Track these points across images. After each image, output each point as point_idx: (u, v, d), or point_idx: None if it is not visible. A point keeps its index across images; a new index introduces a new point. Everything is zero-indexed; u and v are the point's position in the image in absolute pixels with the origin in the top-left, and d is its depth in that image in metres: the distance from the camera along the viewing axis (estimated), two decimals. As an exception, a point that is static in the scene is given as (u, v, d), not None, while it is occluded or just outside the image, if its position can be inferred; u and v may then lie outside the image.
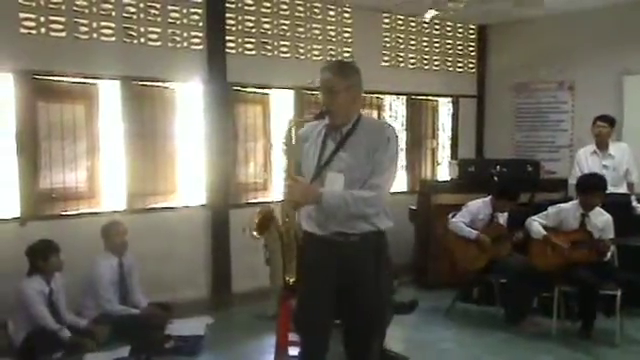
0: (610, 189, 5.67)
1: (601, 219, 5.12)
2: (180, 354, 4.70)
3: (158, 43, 5.72)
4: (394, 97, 7.55)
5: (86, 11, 5.34)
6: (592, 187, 5.11)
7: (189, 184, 6.20)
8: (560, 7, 6.85)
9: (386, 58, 7.29)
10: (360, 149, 2.98)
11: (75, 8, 5.29)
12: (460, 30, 8.04)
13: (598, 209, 5.15)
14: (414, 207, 6.74)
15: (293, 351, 4.76)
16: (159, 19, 5.71)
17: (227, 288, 6.15)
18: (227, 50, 6.07)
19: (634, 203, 5.93)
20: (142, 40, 5.64)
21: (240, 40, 6.19)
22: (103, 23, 5.43)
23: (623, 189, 6.02)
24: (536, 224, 5.25)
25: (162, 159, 5.87)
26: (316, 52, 6.72)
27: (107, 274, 5.01)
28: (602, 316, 5.16)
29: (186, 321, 5.23)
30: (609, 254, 5.06)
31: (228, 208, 6.15)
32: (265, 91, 6.47)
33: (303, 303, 3.20)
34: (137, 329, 4.83)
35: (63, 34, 5.25)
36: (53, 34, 5.21)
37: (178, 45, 5.84)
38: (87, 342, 4.69)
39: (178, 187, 6.04)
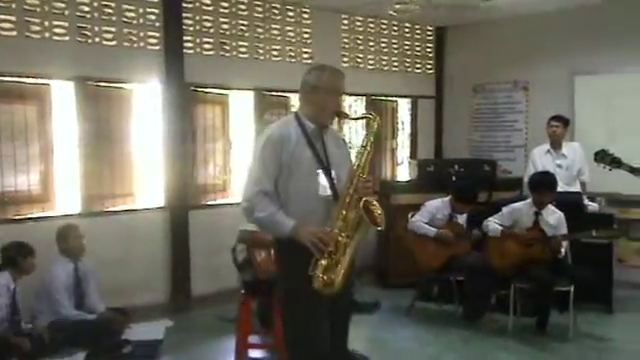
0: (563, 188, 5.84)
1: (554, 217, 5.25)
2: (138, 358, 4.64)
3: (113, 43, 5.62)
4: (354, 98, 7.58)
5: (38, 10, 5.20)
6: (543, 185, 5.23)
7: (147, 186, 6.11)
8: (515, 10, 7.00)
9: (345, 59, 7.32)
10: (339, 149, 3.18)
11: (26, 7, 5.15)
12: (418, 32, 8.12)
13: (551, 207, 5.28)
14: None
15: (253, 353, 4.77)
16: (114, 18, 5.61)
17: (187, 291, 6.09)
18: (185, 50, 6.00)
19: (586, 201, 6.09)
20: (97, 40, 5.53)
21: (198, 40, 6.14)
22: (55, 22, 5.30)
23: (576, 188, 6.17)
24: (492, 223, 5.35)
25: (119, 161, 5.77)
26: (275, 53, 6.70)
27: (62, 279, 4.89)
28: (556, 312, 5.28)
29: (144, 325, 5.16)
30: (563, 251, 5.18)
31: (187, 210, 6.08)
32: (224, 92, 6.42)
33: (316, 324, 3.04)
34: (93, 335, 4.73)
35: (14, 33, 5.11)
36: (3, 33, 5.06)
37: (134, 45, 5.75)
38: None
39: (136, 189, 5.95)
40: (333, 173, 3.07)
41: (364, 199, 2.94)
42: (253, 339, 4.83)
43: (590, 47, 6.79)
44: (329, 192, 3.04)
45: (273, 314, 4.69)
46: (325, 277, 2.90)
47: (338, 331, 3.15)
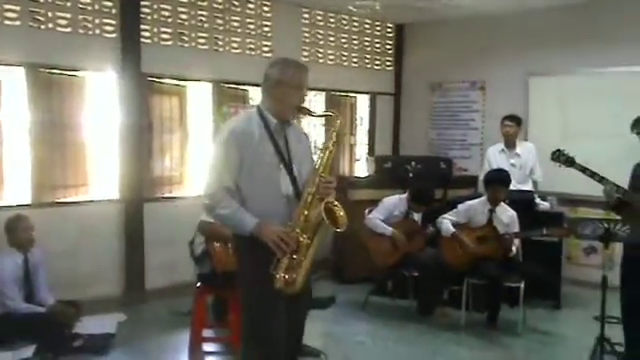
0: (516, 186, 5.98)
1: (507, 215, 5.38)
2: (89, 352, 4.55)
3: (68, 29, 5.47)
4: (313, 93, 7.58)
5: (-12, -7, 5.05)
6: (497, 181, 5.37)
7: (101, 177, 5.99)
8: (474, 10, 7.10)
9: (305, 53, 7.30)
10: (301, 144, 3.16)
11: (-24, -11, 4.99)
12: (378, 28, 8.16)
13: (504, 206, 5.40)
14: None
15: (207, 347, 4.73)
16: (69, 4, 5.46)
17: (140, 284, 6.00)
18: (142, 40, 5.90)
19: (537, 200, 6.24)
20: (50, 25, 5.38)
21: (156, 29, 6.03)
22: (7, 6, 5.13)
23: (528, 187, 6.33)
24: (446, 222, 5.43)
25: (72, 151, 5.63)
26: (235, 45, 6.64)
27: (10, 271, 4.74)
28: (507, 307, 5.40)
29: (96, 319, 5.06)
30: (514, 248, 5.31)
31: (142, 202, 5.99)
32: (182, 83, 6.33)
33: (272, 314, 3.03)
34: (43, 328, 4.61)
35: (-38, 16, 4.94)
36: (-48, 16, 4.89)
37: (90, 32, 5.62)
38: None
39: (89, 180, 5.82)
40: (295, 170, 3.06)
41: (326, 200, 2.94)
42: (208, 333, 4.80)
43: (545, 49, 6.94)
44: (291, 189, 3.03)
45: (228, 308, 4.68)
46: (287, 277, 2.89)
47: (294, 328, 3.15)
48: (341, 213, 2.96)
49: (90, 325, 4.89)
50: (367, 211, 5.79)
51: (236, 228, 3.00)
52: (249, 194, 2.99)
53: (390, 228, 5.58)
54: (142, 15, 5.89)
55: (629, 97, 6.15)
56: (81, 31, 5.56)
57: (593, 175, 4.04)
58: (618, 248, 3.94)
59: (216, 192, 2.96)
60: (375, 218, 5.65)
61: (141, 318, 5.52)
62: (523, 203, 5.80)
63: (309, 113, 3.18)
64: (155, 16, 6.01)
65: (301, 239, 2.91)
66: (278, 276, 2.88)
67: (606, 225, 3.79)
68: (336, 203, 2.97)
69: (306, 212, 2.94)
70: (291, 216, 2.97)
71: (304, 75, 3.09)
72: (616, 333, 4.16)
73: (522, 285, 5.16)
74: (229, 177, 2.96)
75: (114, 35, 5.74)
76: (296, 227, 2.92)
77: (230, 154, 2.95)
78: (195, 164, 6.49)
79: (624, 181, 4.08)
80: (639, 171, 4.15)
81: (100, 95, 5.89)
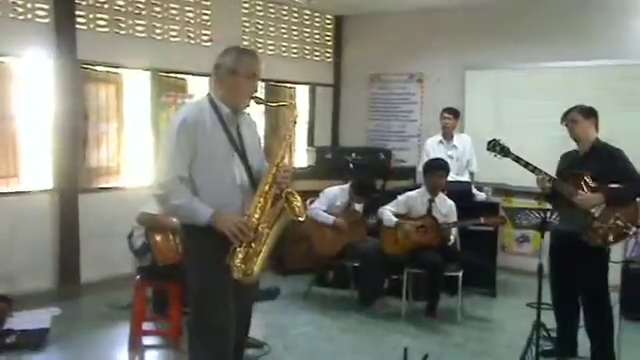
0: (454, 177, 6.13)
1: (445, 205, 5.51)
2: (23, 349, 4.38)
3: (-3, 13, 5.24)
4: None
5: None
6: (437, 167, 5.50)
7: (33, 167, 5.76)
8: (412, 3, 7.21)
9: (246, 43, 7.22)
10: (252, 134, 3.15)
11: None
12: (318, 20, 8.17)
13: (443, 196, 5.53)
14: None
15: (147, 340, 4.65)
16: (-1, -14, 5.23)
17: (75, 278, 5.82)
18: (77, 25, 5.69)
19: (474, 191, 6.42)
20: (-23, 9, 5.14)
21: (91, 15, 5.83)
22: None
23: (465, 178, 6.50)
24: (387, 212, 5.51)
25: (2, 140, 5.40)
26: (174, 33, 6.50)
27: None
28: (446, 296, 5.53)
29: (29, 314, 4.89)
30: (452, 238, 5.44)
31: (77, 193, 5.80)
32: (119, 71, 6.16)
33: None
34: (-28, 325, 4.44)
35: None
36: None
37: (20, 17, 5.38)
38: None
39: (20, 171, 5.59)
40: (249, 159, 3.04)
41: (286, 190, 2.93)
42: (148, 326, 4.72)
43: (480, 43, 7.13)
44: (245, 179, 3.01)
45: (169, 300, 4.61)
46: (244, 267, 2.87)
47: (242, 317, 3.13)
48: (299, 203, 2.97)
49: (23, 320, 4.73)
50: (308, 202, 5.80)
51: (191, 218, 2.94)
52: (202, 184, 2.94)
53: (332, 217, 5.62)
54: (77, 0, 5.68)
55: (561, 91, 6.39)
56: (11, 15, 5.32)
57: (527, 165, 4.20)
58: (547, 237, 4.11)
59: (169, 182, 2.89)
60: (317, 208, 5.68)
61: (77, 312, 5.37)
62: (460, 193, 5.96)
63: (264, 102, 3.16)
64: (90, 1, 5.81)
65: (259, 229, 2.89)
66: (235, 266, 2.85)
67: (542, 215, 3.93)
68: (295, 194, 2.97)
69: (262, 201, 2.93)
70: (245, 206, 2.95)
71: (258, 64, 3.05)
72: (550, 319, 4.33)
73: (460, 274, 5.30)
74: (182, 167, 2.90)
75: (47, 20, 5.52)
76: (253, 216, 2.89)
77: (182, 143, 2.89)
78: (132, 154, 6.34)
79: (553, 172, 4.27)
80: (564, 163, 4.35)
81: (33, 82, 5.66)
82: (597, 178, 4.06)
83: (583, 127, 4.20)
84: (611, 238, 3.97)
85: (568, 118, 4.25)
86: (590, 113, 4.23)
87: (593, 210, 4.00)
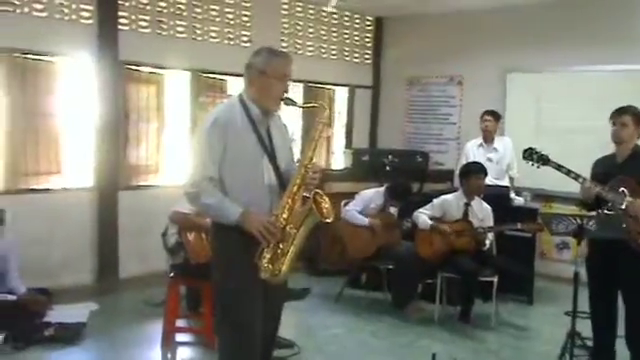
0: (493, 181, 6.03)
1: (482, 209, 5.42)
2: (60, 342, 4.48)
3: (44, 14, 5.38)
4: (291, 84, 7.51)
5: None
6: (473, 171, 5.43)
7: (76, 165, 5.91)
8: (452, 6, 7.14)
9: (284, 44, 7.26)
10: (282, 136, 3.16)
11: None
12: (357, 21, 8.15)
13: (479, 200, 5.44)
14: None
15: (180, 337, 4.71)
16: (45, -12, 5.38)
17: (114, 273, 5.95)
18: (120, 26, 5.83)
19: (512, 195, 6.30)
20: (26, 10, 5.28)
21: (134, 17, 5.96)
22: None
23: (504, 182, 6.38)
24: (423, 216, 5.46)
25: (45, 138, 5.54)
26: (213, 34, 6.59)
27: (-20, 258, 4.68)
28: (480, 301, 5.45)
29: (68, 307, 5.01)
30: (488, 242, 5.35)
31: (117, 190, 5.93)
32: (159, 71, 6.27)
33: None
34: (13, 316, 4.55)
35: None
36: None
37: (66, 17, 5.53)
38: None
39: (63, 168, 5.73)
40: (278, 160, 3.04)
41: (314, 191, 2.93)
42: (181, 323, 4.78)
43: (522, 46, 7.00)
44: (274, 180, 3.01)
45: (202, 298, 4.66)
46: (272, 267, 2.88)
47: (271, 318, 3.14)
48: (327, 205, 2.95)
49: (62, 314, 4.84)
50: (343, 203, 5.79)
51: (220, 217, 2.96)
52: (232, 184, 2.95)
53: (367, 218, 5.60)
54: (120, 2, 5.81)
55: (602, 95, 6.23)
56: (57, 16, 5.48)
57: (569, 173, 4.06)
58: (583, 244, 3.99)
59: (200, 181, 2.92)
60: (352, 210, 5.66)
61: (114, 307, 5.46)
62: (498, 198, 5.86)
63: (294, 104, 3.14)
64: (133, 3, 5.94)
65: (287, 229, 2.90)
66: (263, 266, 2.87)
67: (579, 221, 3.83)
68: (323, 195, 2.96)
69: (291, 202, 2.93)
70: (273, 206, 2.96)
71: (288, 65, 3.06)
72: (587, 328, 4.22)
73: (495, 279, 5.21)
74: (212, 166, 2.92)
75: (91, 21, 5.67)
76: (281, 217, 2.90)
77: (213, 143, 2.91)
78: (171, 153, 6.43)
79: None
80: (599, 168, 4.20)
81: (76, 82, 5.80)
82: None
83: (630, 132, 4.04)
84: None
85: (619, 120, 4.08)
86: None
87: None
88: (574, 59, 6.60)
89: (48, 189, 5.58)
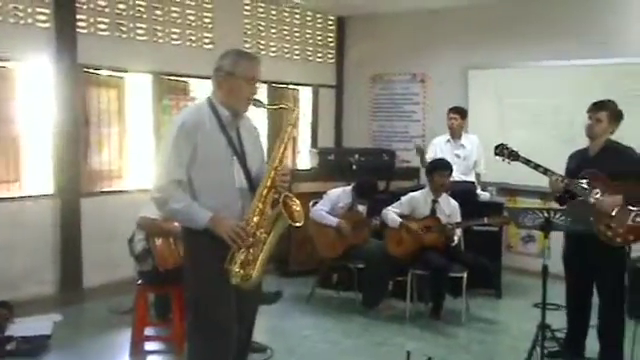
0: (460, 177, 6.08)
1: (449, 206, 5.45)
2: (23, 356, 4.35)
3: (-2, 18, 5.23)
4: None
5: None
6: (437, 167, 5.45)
7: (35, 172, 5.74)
8: (413, 4, 7.17)
9: (247, 45, 7.19)
10: (252, 138, 3.12)
11: None
12: (320, 21, 8.13)
13: (446, 196, 5.48)
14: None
15: (149, 346, 4.62)
16: (-2, -8, 5.22)
17: (78, 283, 5.80)
18: (78, 30, 5.69)
19: (478, 190, 6.36)
20: (-22, 14, 5.13)
21: (92, 20, 5.82)
22: None
23: (471, 178, 6.42)
24: (391, 213, 5.46)
25: (3, 145, 5.38)
26: (175, 36, 6.49)
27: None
28: (450, 297, 5.47)
29: (30, 320, 4.87)
30: (456, 238, 5.39)
31: (79, 197, 5.79)
32: (120, 74, 6.14)
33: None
34: (-27, 331, 4.41)
35: None
36: None
37: (22, 22, 5.38)
38: None
39: (22, 175, 5.57)
40: (248, 163, 3.00)
41: (284, 194, 2.89)
42: (149, 331, 4.68)
43: (482, 43, 7.07)
44: (244, 183, 2.97)
45: (171, 305, 4.57)
46: (243, 272, 2.84)
47: (245, 321, 3.10)
48: (297, 208, 2.92)
49: (24, 327, 4.69)
50: (311, 203, 5.76)
51: (189, 222, 2.92)
52: (202, 187, 2.91)
53: (335, 219, 5.58)
54: (78, 4, 5.68)
55: (563, 89, 6.34)
56: (12, 20, 5.32)
57: (537, 167, 4.12)
58: (555, 237, 4.04)
59: (167, 185, 2.87)
60: (320, 210, 5.64)
61: (79, 318, 5.34)
62: (465, 194, 5.91)
63: (262, 105, 3.11)
64: (91, 5, 5.81)
65: (257, 233, 2.86)
66: (234, 271, 2.82)
67: (546, 215, 3.87)
68: (293, 198, 2.93)
69: (261, 206, 2.89)
70: (245, 209, 2.92)
71: (257, 67, 3.03)
72: (556, 320, 4.27)
73: (465, 275, 5.24)
74: (179, 170, 2.87)
75: (48, 25, 5.52)
76: (251, 221, 2.86)
77: (180, 146, 2.86)
78: (135, 158, 6.31)
79: (560, 171, 4.19)
80: (573, 162, 4.27)
81: (34, 87, 5.65)
82: (611, 177, 3.97)
83: (604, 128, 4.11)
84: (632, 237, 3.90)
85: (595, 115, 4.12)
86: (618, 119, 4.12)
87: (611, 210, 3.91)
88: (534, 54, 6.68)
89: (7, 197, 5.41)
